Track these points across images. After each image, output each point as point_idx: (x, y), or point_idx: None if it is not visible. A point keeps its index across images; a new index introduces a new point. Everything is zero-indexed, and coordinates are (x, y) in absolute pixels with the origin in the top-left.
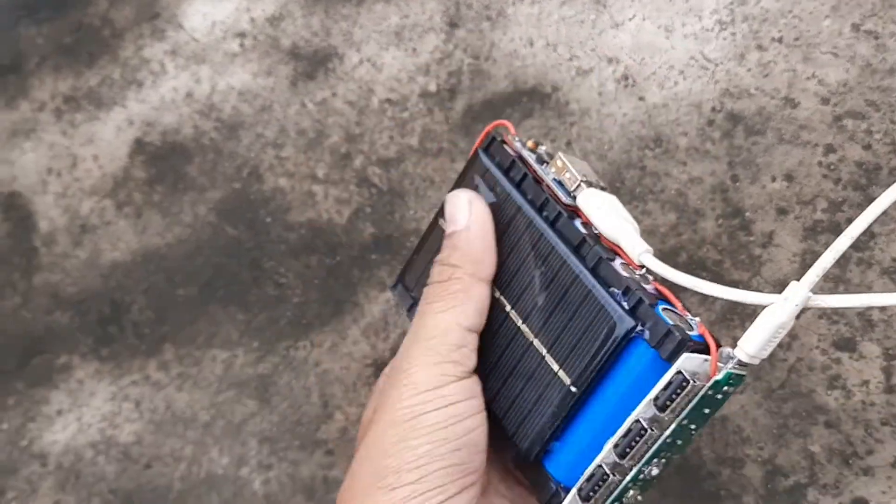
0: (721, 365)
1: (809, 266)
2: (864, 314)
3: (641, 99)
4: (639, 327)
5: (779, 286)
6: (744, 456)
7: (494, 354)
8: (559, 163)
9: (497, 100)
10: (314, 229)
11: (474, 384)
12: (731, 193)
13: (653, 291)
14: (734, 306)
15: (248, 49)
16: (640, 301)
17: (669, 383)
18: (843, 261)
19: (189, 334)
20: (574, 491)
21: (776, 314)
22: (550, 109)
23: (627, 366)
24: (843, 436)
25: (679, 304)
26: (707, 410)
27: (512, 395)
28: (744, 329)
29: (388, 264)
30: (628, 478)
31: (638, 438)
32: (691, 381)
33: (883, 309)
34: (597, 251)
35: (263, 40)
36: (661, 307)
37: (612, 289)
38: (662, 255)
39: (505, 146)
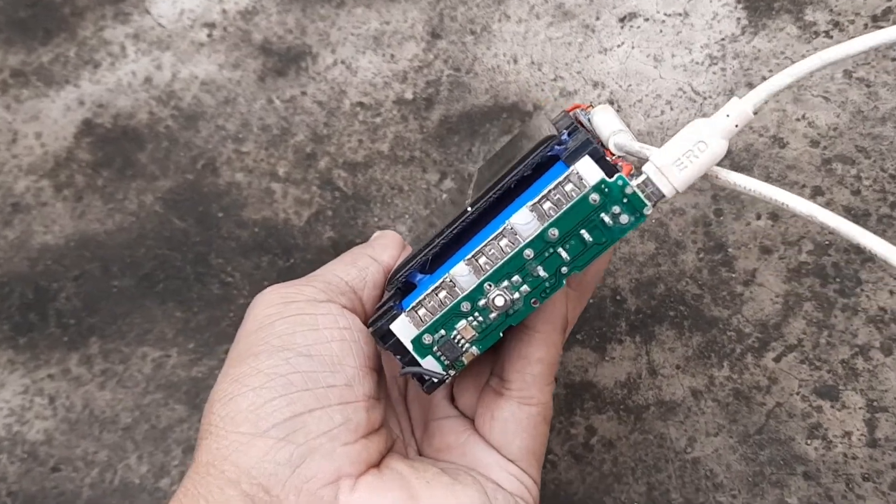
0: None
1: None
2: (848, 363)
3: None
4: (562, 141)
5: (760, 326)
6: (715, 503)
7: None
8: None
9: (476, 113)
10: (269, 228)
11: (336, 309)
12: (714, 228)
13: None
14: (711, 343)
15: (216, 40)
16: (578, 128)
17: (556, 184)
18: (826, 305)
19: (119, 329)
20: (409, 308)
21: (703, 125)
22: None
23: (534, 188)
24: (822, 489)
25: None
26: (585, 235)
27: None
28: (720, 367)
29: None
30: (462, 296)
31: (496, 244)
32: (575, 180)
33: (868, 358)
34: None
35: (233, 32)
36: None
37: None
38: (639, 285)
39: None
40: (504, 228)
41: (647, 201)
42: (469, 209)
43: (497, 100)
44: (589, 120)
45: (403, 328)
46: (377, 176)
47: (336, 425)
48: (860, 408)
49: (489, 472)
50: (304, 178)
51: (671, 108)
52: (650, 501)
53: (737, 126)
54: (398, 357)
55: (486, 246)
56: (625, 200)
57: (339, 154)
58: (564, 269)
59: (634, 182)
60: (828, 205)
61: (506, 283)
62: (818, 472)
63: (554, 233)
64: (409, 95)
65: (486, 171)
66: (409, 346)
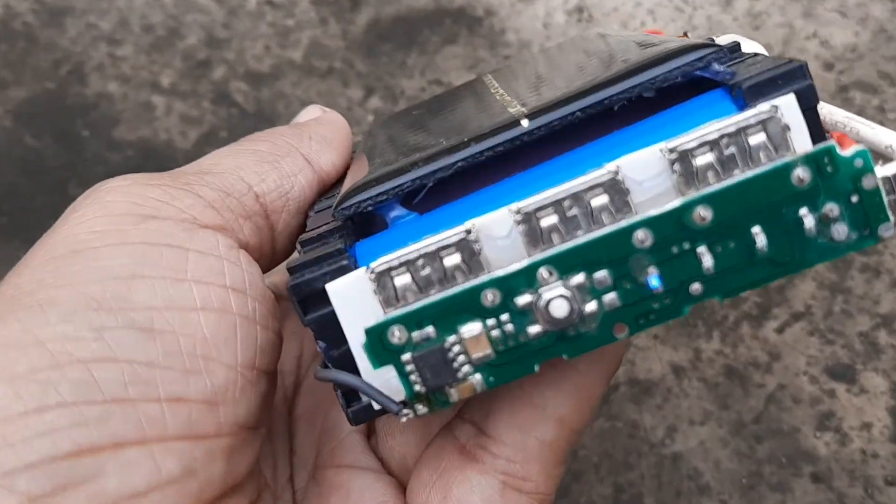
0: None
1: None
2: (867, 336)
3: None
4: (725, 58)
5: (760, 289)
6: None
7: None
8: None
9: (413, 17)
10: (147, 151)
11: (227, 248)
12: None
13: None
14: (698, 308)
15: None
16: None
17: (735, 127)
18: (842, 265)
19: None
20: (374, 264)
21: None
22: (481, 37)
23: (666, 120)
24: (834, 494)
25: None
26: (759, 237)
27: None
28: (709, 338)
29: None
30: (491, 277)
31: (582, 201)
32: (773, 132)
33: (892, 331)
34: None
35: None
36: None
37: None
38: None
39: None
40: (603, 178)
41: (891, 214)
42: (525, 123)
43: (440, 2)
44: None
45: (352, 297)
46: (286, 90)
47: (163, 482)
48: (882, 392)
49: None
50: (193, 91)
51: (654, 20)
52: None
53: None
54: (322, 345)
55: (563, 198)
56: (854, 198)
57: (240, 62)
58: (696, 289)
59: (881, 172)
60: None
61: (581, 278)
62: (829, 473)
63: (704, 215)
64: None
65: (532, 69)
66: (358, 339)
